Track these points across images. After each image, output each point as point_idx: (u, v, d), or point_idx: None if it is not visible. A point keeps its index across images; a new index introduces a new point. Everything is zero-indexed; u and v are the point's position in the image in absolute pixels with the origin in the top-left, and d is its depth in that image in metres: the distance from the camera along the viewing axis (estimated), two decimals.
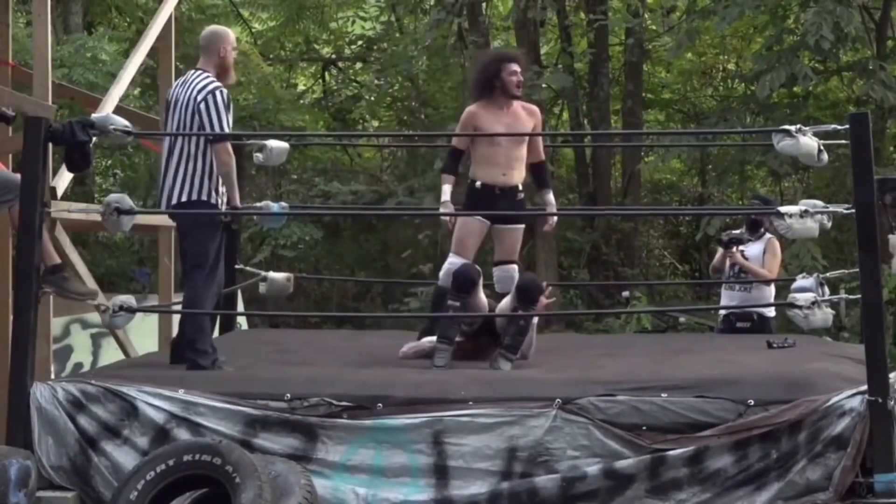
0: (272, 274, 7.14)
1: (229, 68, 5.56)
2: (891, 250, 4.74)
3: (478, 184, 5.94)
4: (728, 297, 7.43)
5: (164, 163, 5.44)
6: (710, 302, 11.59)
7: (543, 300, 5.57)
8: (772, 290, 7.49)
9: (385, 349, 6.12)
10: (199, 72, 5.45)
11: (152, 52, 7.80)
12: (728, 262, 7.45)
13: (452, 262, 5.87)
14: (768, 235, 7.53)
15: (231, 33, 5.69)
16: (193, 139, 5.34)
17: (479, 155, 5.98)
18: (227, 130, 5.32)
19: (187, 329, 5.42)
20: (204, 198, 5.35)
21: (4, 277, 6.00)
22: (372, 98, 16.66)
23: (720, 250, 7.57)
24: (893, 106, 11.40)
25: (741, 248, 7.40)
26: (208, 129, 5.27)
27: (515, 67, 5.97)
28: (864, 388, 4.31)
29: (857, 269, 4.51)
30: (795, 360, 5.35)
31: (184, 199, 5.35)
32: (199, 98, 5.30)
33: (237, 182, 5.44)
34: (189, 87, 5.37)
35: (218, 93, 5.31)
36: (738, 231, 7.87)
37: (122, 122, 5.20)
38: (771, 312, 7.47)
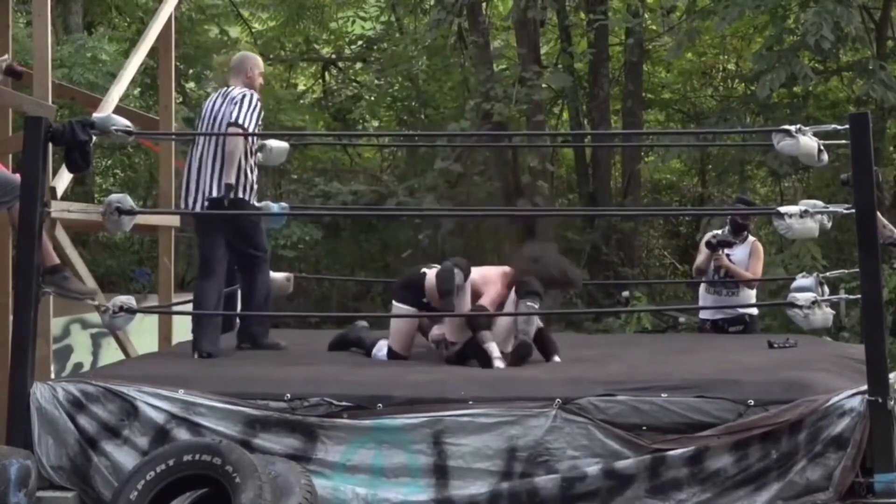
0: (272, 274, 7.13)
1: (255, 89, 5.98)
2: None
3: None
4: (714, 301, 7.37)
5: (198, 163, 5.81)
6: None
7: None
8: (753, 291, 7.55)
9: None
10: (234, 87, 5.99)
11: (152, 52, 7.79)
12: (713, 264, 7.39)
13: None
14: (751, 238, 7.54)
15: (259, 60, 6.24)
16: (222, 142, 5.72)
17: None
18: (244, 123, 5.71)
19: (192, 325, 5.84)
20: (237, 195, 5.75)
21: (4, 277, 6.00)
22: (372, 98, 16.67)
23: (705, 251, 7.42)
24: (893, 106, 11.41)
25: (727, 251, 7.36)
26: (230, 117, 5.72)
27: None
28: (864, 388, 4.30)
29: (857, 269, 4.51)
30: (795, 360, 5.33)
31: (214, 194, 5.74)
32: (236, 96, 5.79)
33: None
34: (227, 95, 5.89)
35: (252, 94, 5.85)
36: (720, 232, 7.81)
37: (123, 122, 5.23)
38: (755, 311, 7.56)
